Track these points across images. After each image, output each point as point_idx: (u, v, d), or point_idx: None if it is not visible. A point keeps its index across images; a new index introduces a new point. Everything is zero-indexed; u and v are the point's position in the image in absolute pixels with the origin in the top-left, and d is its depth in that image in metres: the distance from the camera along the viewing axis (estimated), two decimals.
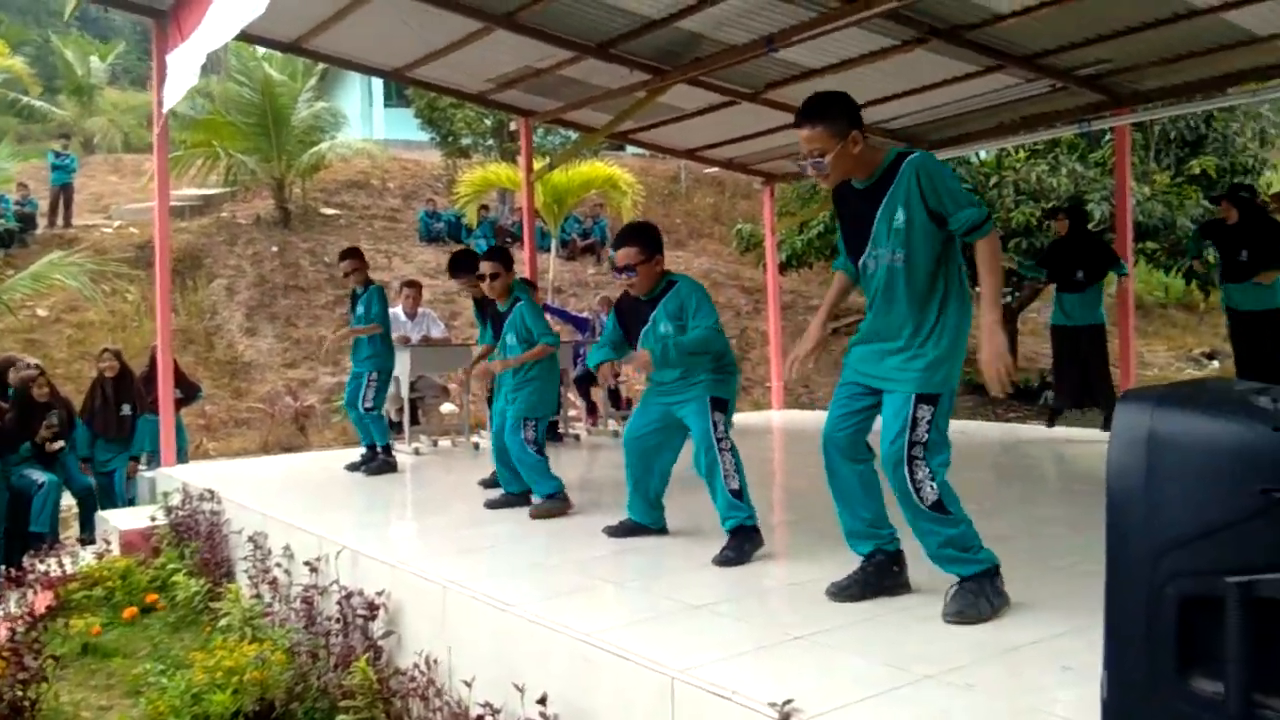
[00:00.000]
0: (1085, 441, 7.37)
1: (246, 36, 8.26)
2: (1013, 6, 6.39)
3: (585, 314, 12.39)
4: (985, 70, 7.57)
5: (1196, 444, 1.59)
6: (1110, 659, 1.66)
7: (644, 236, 4.09)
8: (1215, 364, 16.24)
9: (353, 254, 6.96)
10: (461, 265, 6.34)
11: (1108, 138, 11.50)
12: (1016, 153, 12.18)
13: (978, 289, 3.05)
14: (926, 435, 2.94)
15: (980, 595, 2.93)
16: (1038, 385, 14.72)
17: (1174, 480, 1.61)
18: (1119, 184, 8.60)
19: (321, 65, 17.18)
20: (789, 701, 2.27)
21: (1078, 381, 7.60)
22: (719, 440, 3.93)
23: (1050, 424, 7.88)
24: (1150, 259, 12.67)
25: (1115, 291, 8.59)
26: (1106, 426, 7.25)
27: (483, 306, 6.16)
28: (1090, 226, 11.30)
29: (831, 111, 3.00)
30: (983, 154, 12.71)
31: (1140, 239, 11.35)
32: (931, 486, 2.94)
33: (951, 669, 2.54)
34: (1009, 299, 13.49)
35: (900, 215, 2.95)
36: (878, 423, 3.10)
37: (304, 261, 16.72)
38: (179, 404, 8.67)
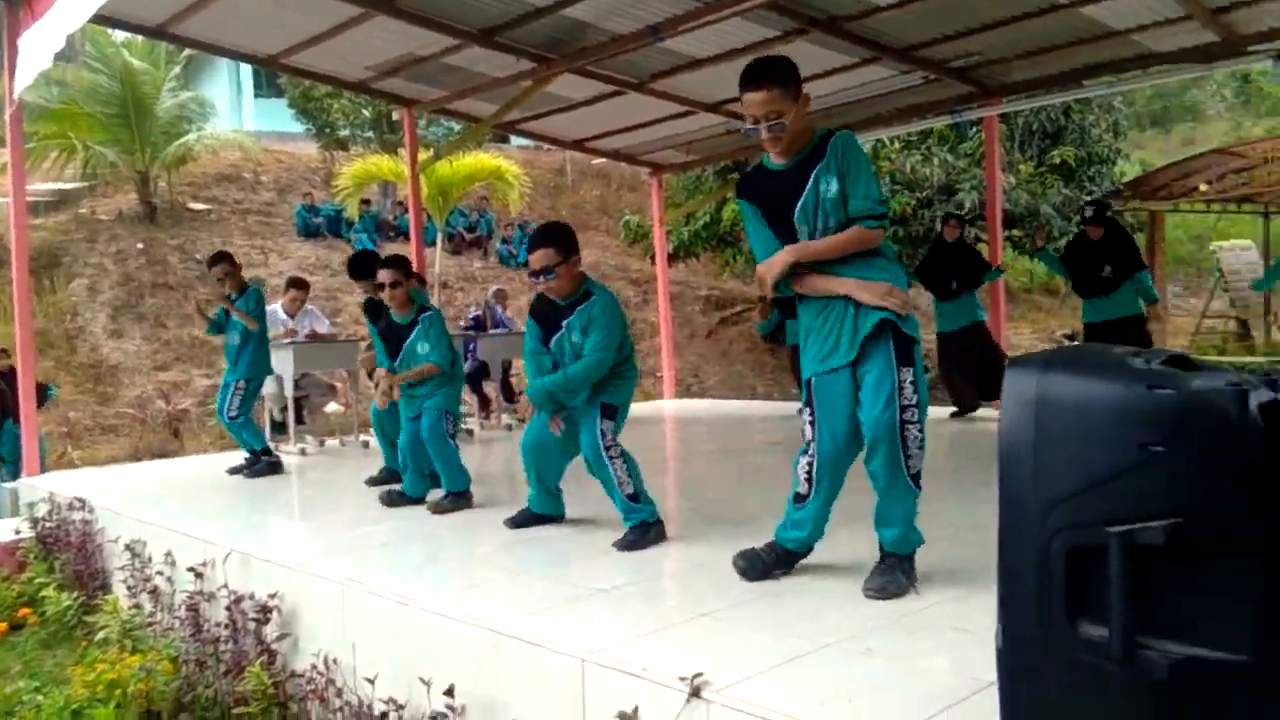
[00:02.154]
0: (978, 420, 7.69)
1: (107, 19, 7.82)
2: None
3: (473, 307, 12.23)
4: (863, 62, 7.81)
5: (1080, 403, 1.69)
6: (1003, 610, 1.75)
7: (561, 238, 3.95)
8: (1076, 344, 17.20)
9: (223, 258, 6.69)
10: (362, 269, 6.13)
11: (975, 130, 12.03)
12: (891, 143, 12.61)
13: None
14: (914, 397, 2.92)
15: (899, 570, 3.00)
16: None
17: (1060, 438, 1.70)
18: (989, 173, 9.01)
19: (186, 52, 16.44)
20: (698, 675, 2.30)
21: (978, 378, 7.72)
22: (607, 449, 3.89)
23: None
24: (1016, 245, 13.33)
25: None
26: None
27: (375, 317, 5.89)
28: (962, 215, 11.83)
29: (785, 74, 2.99)
30: (862, 145, 13.12)
31: (1008, 225, 11.93)
32: (919, 453, 2.94)
33: (851, 637, 2.62)
34: None
35: (834, 185, 2.96)
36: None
37: (173, 259, 15.97)
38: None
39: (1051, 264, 8.11)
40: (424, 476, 5.07)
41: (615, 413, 3.97)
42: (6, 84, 6.81)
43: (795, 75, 3.02)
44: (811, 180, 3.00)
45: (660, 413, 9.94)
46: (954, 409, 7.94)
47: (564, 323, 3.97)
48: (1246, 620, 1.57)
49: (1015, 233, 12.77)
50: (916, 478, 2.97)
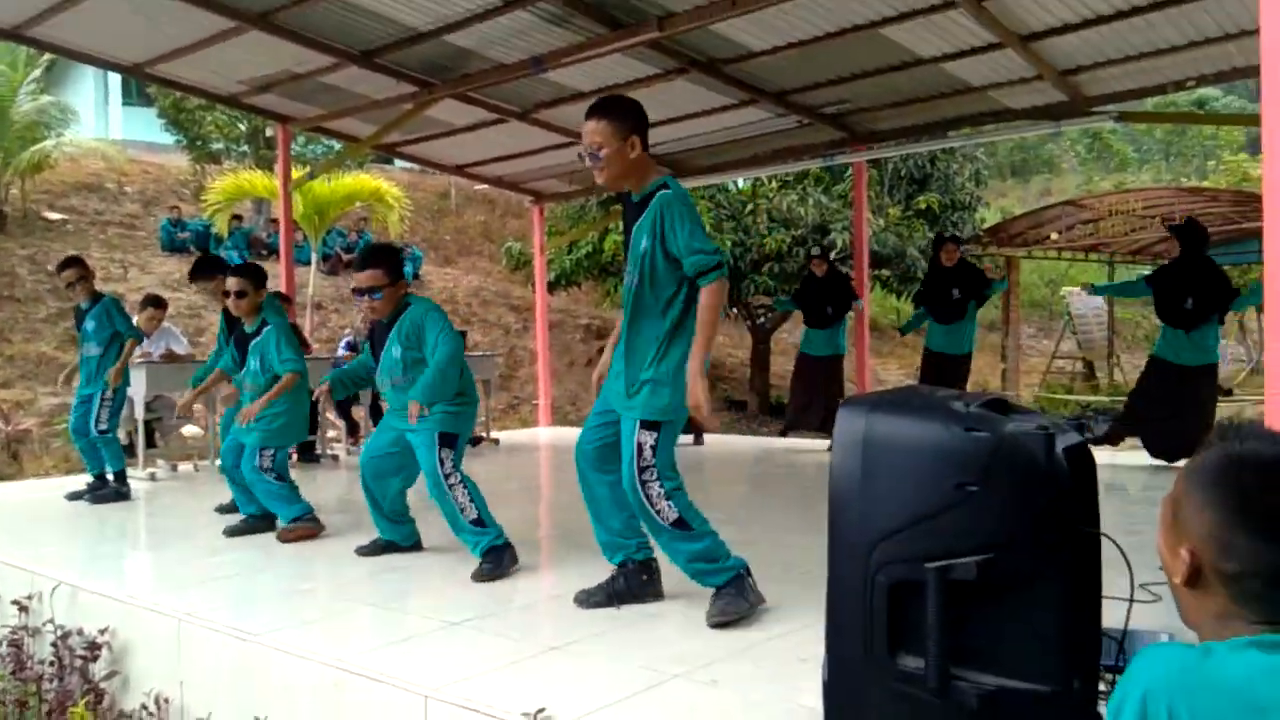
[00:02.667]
0: (819, 453, 7.94)
1: None
2: (764, 46, 6.82)
3: (348, 331, 11.92)
4: (740, 103, 8.02)
5: (904, 444, 1.76)
6: (830, 641, 1.80)
7: (388, 260, 3.98)
8: (905, 385, 17.98)
9: (74, 263, 6.32)
10: (203, 269, 5.98)
11: (849, 173, 12.50)
12: (769, 183, 12.96)
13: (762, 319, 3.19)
14: (653, 459, 3.03)
15: (738, 595, 3.05)
16: (787, 401, 15.68)
17: (885, 477, 1.76)
18: (857, 215, 9.37)
19: (47, 56, 15.59)
20: (541, 710, 2.28)
21: (821, 407, 8.05)
22: (446, 477, 3.87)
23: (783, 434, 8.44)
24: (885, 285, 13.85)
25: (853, 317, 9.30)
26: None
27: (230, 324, 5.78)
28: (834, 254, 12.24)
29: (618, 111, 3.07)
30: (740, 183, 13.44)
31: (876, 266, 12.40)
32: (669, 505, 3.03)
33: (699, 667, 2.64)
34: (763, 320, 14.31)
35: (644, 241, 3.04)
36: None
37: (22, 270, 15.01)
38: None
39: (914, 325, 8.56)
40: (249, 494, 4.94)
41: (454, 441, 3.93)
42: None
43: (630, 115, 3.09)
44: (636, 226, 3.11)
45: (535, 440, 9.87)
46: (783, 427, 8.40)
47: (386, 338, 4.00)
48: (1051, 651, 1.66)
49: (884, 272, 13.28)
50: (680, 523, 3.04)
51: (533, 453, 8.94)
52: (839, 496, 1.80)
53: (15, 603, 4.00)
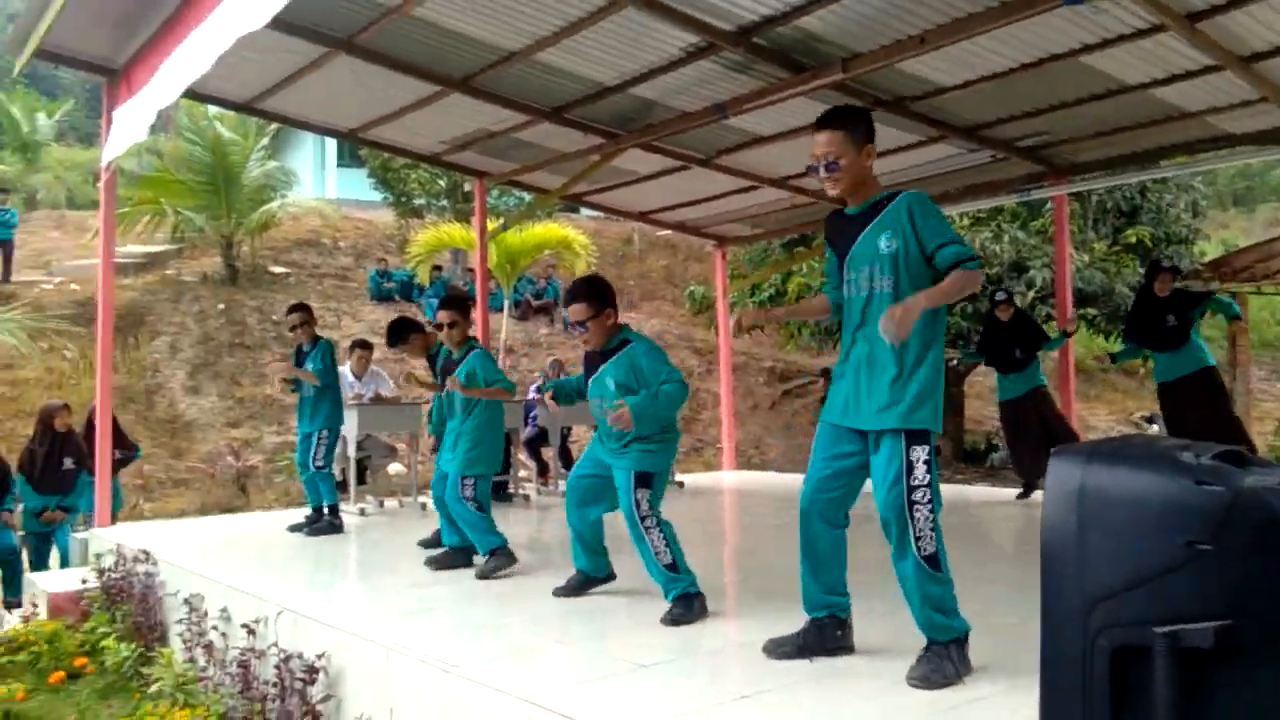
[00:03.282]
0: (1036, 504, 7.47)
1: (199, 95, 8.28)
2: (954, 81, 6.65)
3: (538, 375, 12.37)
4: (929, 140, 7.82)
5: (1124, 497, 1.64)
6: (1045, 708, 1.68)
7: (592, 292, 4.09)
8: (1155, 427, 16.64)
9: (301, 308, 6.90)
10: (399, 333, 6.36)
11: (1048, 206, 11.90)
12: (961, 220, 12.53)
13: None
14: (927, 477, 2.87)
15: (946, 659, 2.89)
16: (983, 448, 14.95)
17: (1104, 533, 1.64)
18: (1058, 252, 8.88)
19: (274, 125, 17.24)
20: None
21: (1041, 448, 7.52)
22: (643, 519, 3.88)
23: (1024, 496, 7.77)
24: (1091, 324, 13.03)
25: (1054, 356, 8.78)
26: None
27: (434, 362, 6.15)
28: (1034, 292, 11.64)
29: (853, 120, 3.05)
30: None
31: (1080, 304, 11.68)
32: (931, 537, 2.87)
33: None
34: (954, 362, 13.76)
35: (889, 241, 2.96)
36: (866, 484, 3.03)
37: (251, 319, 16.53)
38: (118, 464, 8.47)
39: (1129, 354, 7.92)
40: (455, 524, 5.18)
41: (651, 480, 3.93)
42: (103, 154, 7.22)
43: (863, 124, 3.06)
44: (866, 233, 3.02)
45: (719, 484, 9.85)
46: (1019, 490, 7.76)
47: (600, 369, 4.09)
48: None
49: (1090, 311, 12.50)
50: (933, 560, 2.88)
51: (716, 496, 8.92)
52: (1052, 551, 1.69)
53: (244, 626, 4.35)
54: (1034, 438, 7.53)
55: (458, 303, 5.41)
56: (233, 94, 8.01)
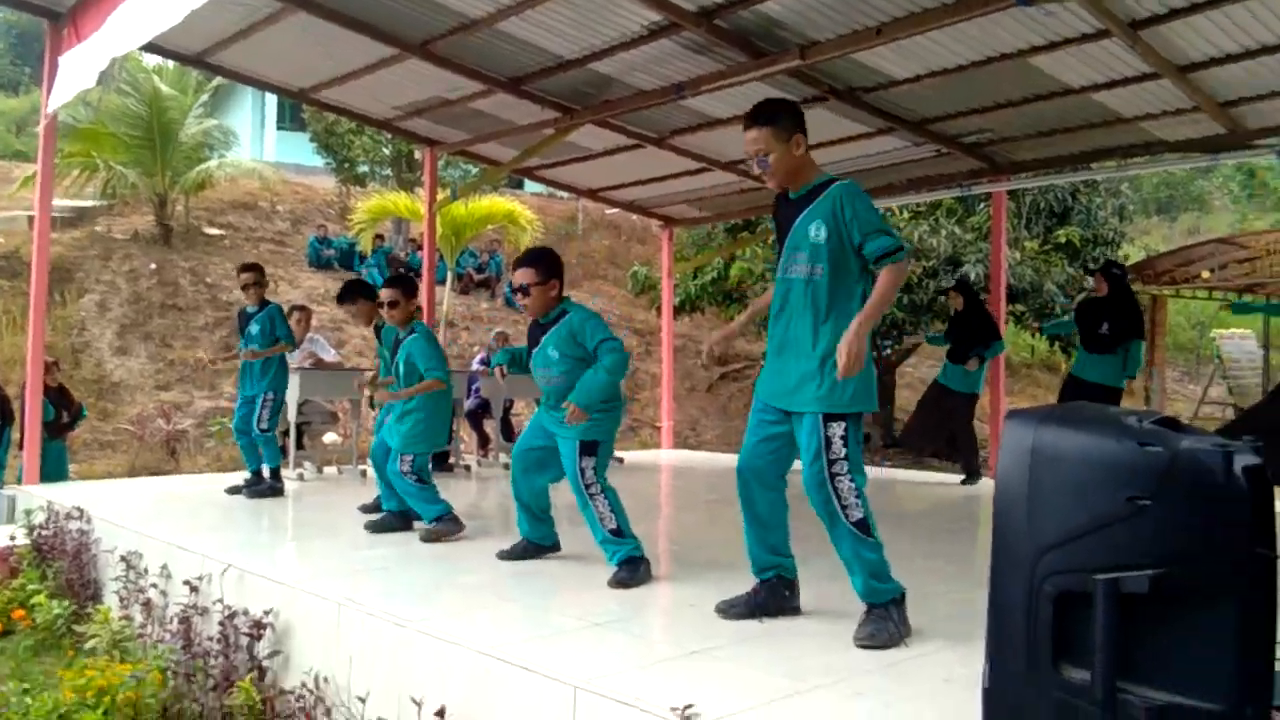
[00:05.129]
0: (949, 486, 7.80)
1: (148, 46, 8.03)
2: (906, 74, 6.81)
3: (479, 350, 12.33)
4: (878, 131, 8.00)
5: (1074, 456, 1.77)
6: (992, 650, 1.81)
7: (542, 260, 4.21)
8: (1072, 402, 17.24)
9: (253, 268, 6.79)
10: (351, 293, 6.41)
11: (983, 204, 12.24)
12: (901, 213, 12.81)
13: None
14: (844, 450, 3.01)
15: (888, 619, 3.04)
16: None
17: (1052, 489, 1.78)
18: (994, 248, 9.17)
19: (215, 81, 16.79)
20: (689, 706, 2.35)
21: (939, 436, 7.91)
22: (588, 486, 3.98)
23: (888, 446, 8.18)
24: (1019, 320, 13.46)
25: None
26: (967, 476, 7.69)
27: (379, 334, 6.15)
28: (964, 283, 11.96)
29: (778, 115, 3.15)
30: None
31: (1011, 300, 12.06)
32: (856, 503, 3.02)
33: (840, 680, 2.67)
34: (888, 350, 14.09)
35: (820, 229, 3.08)
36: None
37: (184, 280, 16.12)
38: (66, 427, 8.28)
39: (1060, 327, 8.24)
40: (394, 490, 5.21)
41: (596, 449, 4.03)
42: (43, 100, 7.00)
43: (788, 115, 3.16)
44: (801, 218, 3.14)
45: (657, 461, 9.98)
46: (894, 438, 8.16)
47: (541, 339, 4.18)
48: (1223, 669, 1.63)
49: (1019, 307, 12.91)
50: (862, 525, 3.03)
51: (654, 473, 9.04)
52: (1004, 504, 1.82)
53: (187, 583, 4.32)
54: (934, 426, 7.85)
55: (401, 281, 5.40)
56: (182, 45, 7.80)
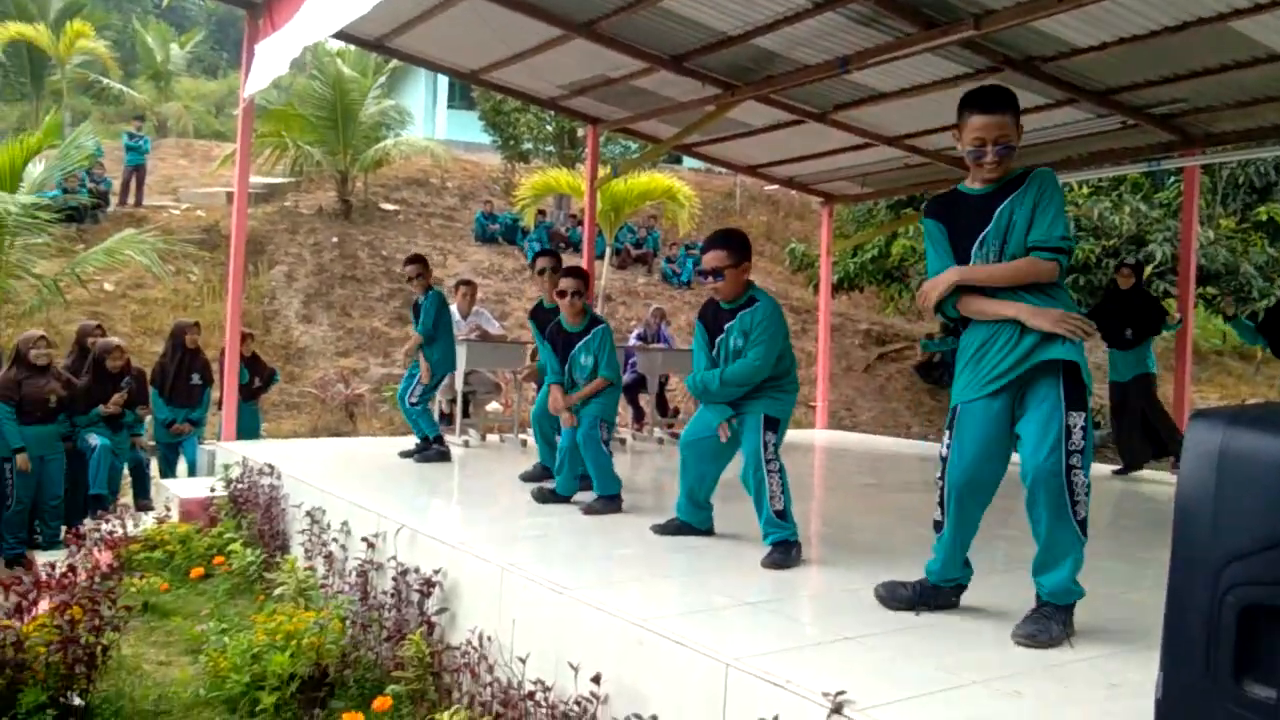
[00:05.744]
0: (1143, 481, 7.35)
1: (337, 33, 8.53)
2: (1089, 41, 6.42)
3: (636, 324, 12.50)
4: (1057, 103, 7.59)
5: (1266, 460, 1.66)
6: (1167, 661, 1.73)
7: (734, 242, 4.10)
8: (1265, 400, 15.95)
9: (418, 260, 7.13)
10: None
11: (1173, 179, 11.42)
12: (1080, 188, 12.12)
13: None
14: (1082, 442, 2.86)
15: (1053, 619, 2.92)
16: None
17: (1241, 494, 1.67)
18: (1185, 226, 8.55)
19: (392, 64, 17.61)
20: (842, 693, 2.35)
21: (1141, 434, 7.40)
22: (768, 461, 3.96)
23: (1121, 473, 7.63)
24: (1209, 304, 12.52)
25: (1169, 338, 8.49)
26: (1176, 461, 7.17)
27: (540, 325, 6.01)
28: (1152, 267, 11.22)
29: (1017, 104, 3.04)
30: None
31: (1201, 283, 11.23)
32: (1085, 500, 2.88)
33: (999, 678, 2.60)
34: None
35: (1026, 213, 2.95)
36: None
37: (362, 254, 17.08)
38: (259, 390, 8.99)
39: (1244, 333, 7.64)
40: (575, 478, 5.30)
41: (777, 425, 4.03)
42: (241, 84, 7.55)
43: (1019, 108, 3.06)
44: (1000, 211, 2.99)
45: (811, 441, 9.89)
46: (1116, 467, 7.61)
47: (726, 326, 4.10)
48: None
49: (1210, 290, 12.01)
50: (1084, 525, 2.89)
51: (808, 453, 8.97)
52: (1187, 509, 1.72)
53: (364, 539, 4.63)
54: (1135, 425, 7.37)
55: (581, 273, 5.39)
56: (364, 31, 8.24)
